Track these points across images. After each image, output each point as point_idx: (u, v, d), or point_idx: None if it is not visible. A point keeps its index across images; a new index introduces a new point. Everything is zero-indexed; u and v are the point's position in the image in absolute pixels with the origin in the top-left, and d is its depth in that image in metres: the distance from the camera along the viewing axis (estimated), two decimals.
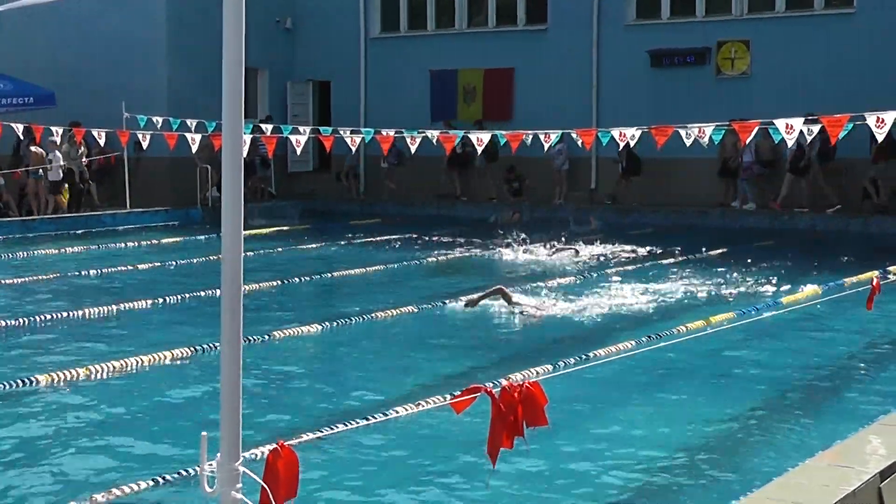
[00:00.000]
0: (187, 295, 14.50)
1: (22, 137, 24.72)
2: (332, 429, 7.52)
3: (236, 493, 3.31)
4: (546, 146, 17.73)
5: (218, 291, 13.88)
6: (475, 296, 13.29)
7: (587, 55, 26.85)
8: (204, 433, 3.36)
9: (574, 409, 8.52)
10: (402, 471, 7.44)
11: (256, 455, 5.58)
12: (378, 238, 21.57)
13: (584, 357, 10.10)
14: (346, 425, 7.59)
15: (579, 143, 19.43)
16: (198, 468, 6.81)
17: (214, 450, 3.53)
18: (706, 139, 15.92)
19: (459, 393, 4.66)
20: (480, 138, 17.56)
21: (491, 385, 4.68)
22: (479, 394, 4.55)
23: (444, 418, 7.93)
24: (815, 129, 13.91)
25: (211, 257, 18.33)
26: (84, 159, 25.75)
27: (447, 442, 7.86)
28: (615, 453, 7.79)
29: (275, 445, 3.60)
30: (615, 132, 17.76)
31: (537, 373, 9.13)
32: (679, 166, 24.32)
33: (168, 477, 6.93)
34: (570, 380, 8.61)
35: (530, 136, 18.91)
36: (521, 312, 12.83)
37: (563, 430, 7.69)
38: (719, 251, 19.07)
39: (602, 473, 7.38)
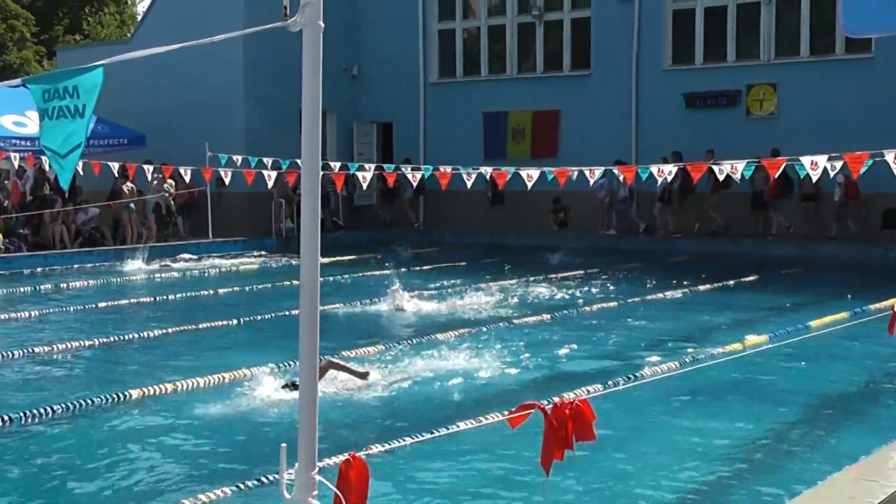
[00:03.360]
0: (263, 316, 14.59)
1: (117, 175, 25.00)
2: (398, 441, 7.50)
3: (313, 500, 3.30)
4: (591, 181, 17.67)
5: (288, 312, 14.16)
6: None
7: (627, 98, 26.79)
8: (283, 444, 3.35)
9: (619, 425, 8.42)
10: (463, 481, 7.40)
11: (329, 465, 5.56)
12: (438, 265, 21.59)
13: (630, 377, 10.03)
14: (412, 438, 7.55)
15: (621, 178, 19.38)
16: (276, 476, 6.87)
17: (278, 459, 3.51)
18: (738, 175, 15.79)
19: (515, 409, 4.63)
20: (530, 174, 17.50)
21: (544, 402, 4.62)
22: (533, 410, 4.51)
23: (500, 432, 7.86)
24: (839, 165, 13.76)
25: (284, 282, 18.42)
26: (171, 193, 26.00)
27: (503, 454, 7.80)
28: (655, 466, 7.70)
29: (347, 456, 3.58)
30: (654, 168, 17.67)
31: (587, 391, 9.07)
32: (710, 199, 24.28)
33: (248, 484, 6.94)
34: (617, 398, 8.54)
35: (576, 172, 18.88)
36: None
37: (609, 444, 7.62)
38: (751, 278, 18.87)
39: (643, 485, 7.30)
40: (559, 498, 6.87)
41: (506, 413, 4.81)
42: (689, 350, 11.88)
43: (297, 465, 3.29)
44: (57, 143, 4.44)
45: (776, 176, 16.67)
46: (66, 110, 4.37)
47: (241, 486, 6.92)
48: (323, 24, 3.33)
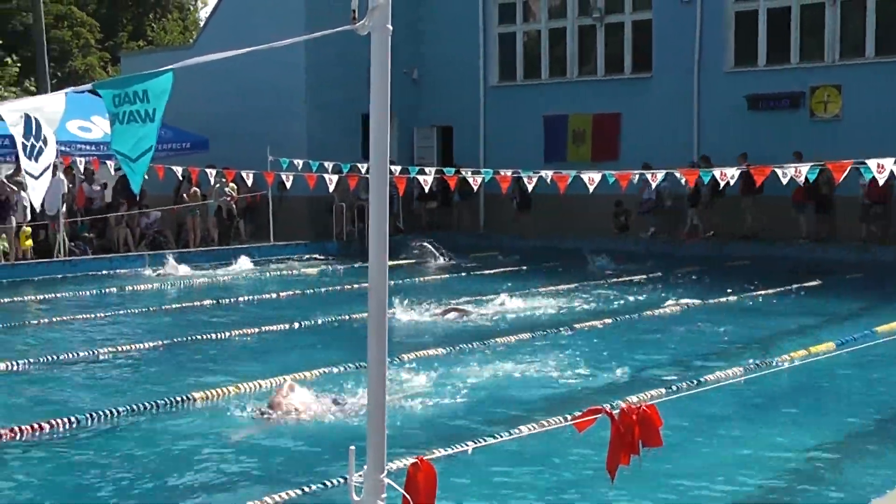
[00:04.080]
0: (325, 319, 14.66)
1: (181, 179, 25.30)
2: (462, 446, 7.49)
3: (381, 503, 3.30)
4: (654, 185, 17.55)
5: (350, 316, 14.19)
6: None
7: (689, 100, 26.58)
8: (352, 447, 3.36)
9: (682, 431, 8.34)
10: (528, 485, 7.37)
11: (396, 467, 5.56)
12: (497, 269, 21.58)
13: (693, 383, 9.95)
14: (475, 443, 7.54)
15: (682, 181, 19.22)
16: (343, 479, 6.90)
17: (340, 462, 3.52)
18: (802, 178, 15.60)
19: (581, 413, 4.60)
20: (591, 178, 17.42)
21: (609, 407, 4.60)
22: (599, 415, 4.48)
23: (562, 437, 7.83)
24: None
25: (346, 286, 18.50)
26: (233, 197, 26.24)
27: (566, 459, 7.77)
28: (718, 473, 7.62)
29: (415, 459, 3.58)
30: (716, 172, 17.50)
31: (650, 396, 9.00)
32: (774, 202, 24.05)
33: (313, 487, 6.97)
34: (680, 403, 8.47)
35: (636, 176, 18.76)
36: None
37: (673, 450, 7.55)
38: (813, 282, 18.62)
39: (707, 491, 7.24)
40: (623, 503, 6.82)
41: (571, 417, 4.79)
42: (753, 355, 11.75)
43: (365, 467, 3.29)
44: (128, 148, 4.49)
45: (802, 181, 16.63)
46: (136, 115, 4.42)
47: (306, 488, 6.95)
48: (391, 28, 3.33)
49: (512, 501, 7.04)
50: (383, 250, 3.32)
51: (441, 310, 15.22)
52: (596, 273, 20.29)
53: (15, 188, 22.05)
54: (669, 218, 26.26)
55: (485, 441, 7.57)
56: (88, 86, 4.86)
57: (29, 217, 22.54)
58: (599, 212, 26.25)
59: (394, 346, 11.54)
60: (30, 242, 22.74)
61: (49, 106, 5.06)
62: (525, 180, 21.30)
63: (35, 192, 5.28)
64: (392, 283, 18.53)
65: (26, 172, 5.19)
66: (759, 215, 24.71)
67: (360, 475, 3.32)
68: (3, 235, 23.23)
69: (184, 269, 21.68)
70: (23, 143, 5.08)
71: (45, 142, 5.07)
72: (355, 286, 18.15)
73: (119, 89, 4.47)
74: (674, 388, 9.60)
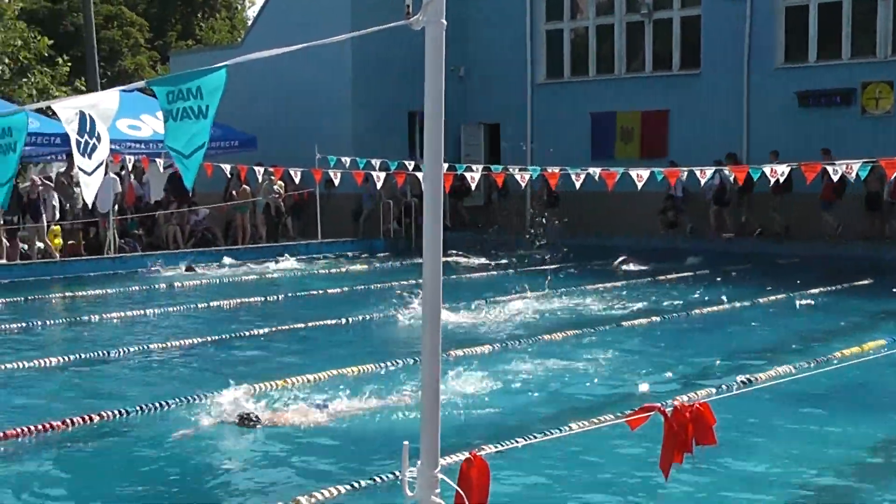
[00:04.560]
0: (372, 316, 14.70)
1: (229, 176, 25.47)
2: (512, 442, 7.49)
3: (435, 498, 3.30)
4: (702, 181, 17.44)
5: (396, 313, 14.19)
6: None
7: (738, 97, 26.36)
8: (406, 442, 3.36)
9: (733, 430, 8.25)
10: (580, 482, 7.34)
11: (447, 463, 5.54)
12: (546, 267, 21.51)
13: (745, 381, 9.86)
14: (524, 439, 7.52)
15: (731, 178, 19.08)
16: (395, 474, 6.91)
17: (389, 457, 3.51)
18: (853, 175, 15.43)
19: (635, 410, 4.57)
20: (640, 174, 17.34)
21: (662, 404, 4.56)
22: (653, 412, 4.45)
23: (616, 434, 7.79)
24: None
25: (392, 283, 18.52)
26: (281, 194, 26.38)
27: (621, 456, 7.72)
28: (772, 472, 7.55)
29: (468, 455, 3.58)
30: (766, 169, 17.35)
31: (700, 395, 8.93)
32: (801, 199, 23.87)
33: (362, 483, 6.98)
34: (730, 402, 8.39)
35: (685, 173, 18.63)
36: None
37: (727, 448, 7.48)
38: (865, 281, 18.40)
39: (760, 489, 7.17)
40: (676, 501, 6.78)
41: (623, 414, 4.76)
42: (805, 354, 11.63)
43: (419, 463, 3.29)
44: (181, 144, 4.52)
45: (832, 177, 16.63)
46: (189, 111, 4.44)
47: (356, 484, 6.96)
48: (445, 22, 3.32)
49: (561, 499, 7.01)
50: (437, 246, 3.32)
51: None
52: (647, 270, 20.15)
53: (50, 185, 22.23)
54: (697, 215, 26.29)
55: (534, 438, 7.54)
56: (143, 83, 4.89)
57: (58, 216, 22.72)
58: (638, 209, 26.13)
59: (445, 342, 11.52)
60: (59, 241, 22.91)
61: (103, 103, 5.09)
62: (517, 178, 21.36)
63: (88, 189, 5.31)
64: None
65: (80, 169, 5.23)
66: (786, 214, 24.58)
67: (413, 471, 3.31)
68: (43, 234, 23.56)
69: (231, 267, 21.83)
70: (77, 139, 5.11)
71: (98, 139, 5.11)
72: (402, 283, 18.18)
73: (173, 86, 4.49)
74: (724, 386, 9.52)
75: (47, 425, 8.54)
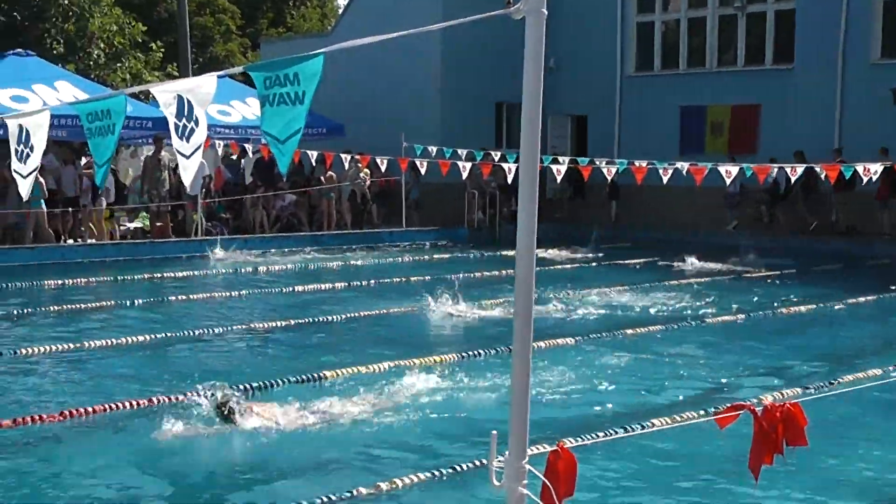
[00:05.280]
0: (455, 305, 14.70)
1: (315, 164, 25.67)
2: (593, 437, 7.45)
3: (522, 489, 3.29)
4: (793, 179, 17.17)
5: (480, 303, 14.15)
6: None
7: (831, 93, 25.86)
8: (494, 432, 3.36)
9: (827, 430, 8.10)
10: (666, 480, 7.28)
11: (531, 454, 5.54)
12: (628, 261, 21.38)
13: (830, 383, 9.70)
14: (605, 434, 7.49)
15: (823, 176, 18.73)
16: (474, 464, 6.93)
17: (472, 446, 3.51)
18: None
19: (724, 409, 4.52)
20: (729, 170, 17.13)
21: (752, 403, 4.50)
22: (743, 411, 4.39)
23: (705, 432, 7.71)
24: None
25: (475, 274, 18.54)
26: (367, 182, 26.53)
27: (708, 455, 7.64)
28: (865, 475, 7.44)
29: (555, 447, 3.57)
30: (859, 167, 17.02)
31: (786, 395, 8.80)
32: (858, 198, 23.60)
33: (444, 472, 7.01)
34: (817, 403, 8.25)
35: (775, 169, 18.36)
36: None
37: (817, 449, 7.36)
38: None
39: (852, 493, 7.06)
40: (767, 500, 6.70)
41: (713, 412, 4.71)
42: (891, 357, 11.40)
43: (507, 453, 3.29)
44: (277, 129, 4.56)
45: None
46: (286, 97, 4.48)
47: (437, 473, 6.99)
48: (546, 12, 3.31)
49: (644, 495, 6.96)
50: (531, 238, 3.31)
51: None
52: (730, 268, 19.88)
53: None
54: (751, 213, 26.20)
55: (615, 433, 7.50)
56: (240, 68, 4.95)
57: (113, 199, 22.95)
58: (699, 203, 25.88)
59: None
60: (109, 224, 23.08)
61: (201, 88, 5.16)
62: (606, 170, 21.43)
63: (186, 172, 5.41)
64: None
65: (178, 152, 5.32)
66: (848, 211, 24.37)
67: (500, 460, 3.32)
68: (145, 213, 23.96)
69: (314, 253, 22.05)
70: (175, 123, 5.19)
71: (196, 122, 5.19)
72: (485, 274, 18.20)
73: (270, 72, 4.54)
74: (811, 388, 9.36)
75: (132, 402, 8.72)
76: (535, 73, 3.24)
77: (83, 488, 7.05)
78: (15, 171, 6.07)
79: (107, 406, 8.63)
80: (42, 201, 20.78)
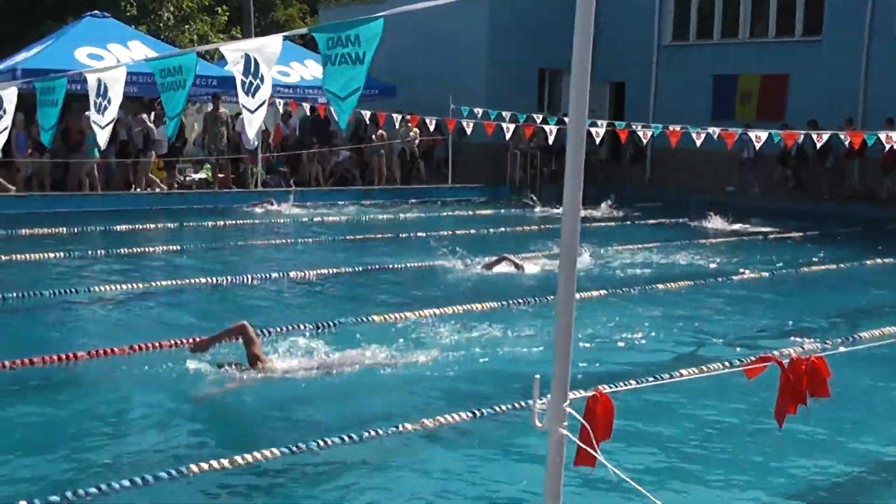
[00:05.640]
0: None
1: (368, 123, 25.65)
2: (624, 384, 7.44)
3: (563, 430, 3.28)
4: (818, 145, 16.94)
5: (520, 255, 14.10)
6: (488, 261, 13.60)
7: (857, 64, 25.38)
8: (537, 375, 3.35)
9: (848, 384, 8.02)
10: (687, 427, 7.26)
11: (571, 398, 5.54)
12: (659, 220, 21.23)
13: (848, 339, 9.61)
14: (636, 382, 7.47)
15: (846, 143, 18.44)
16: (513, 405, 6.94)
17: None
18: None
19: (752, 360, 4.48)
20: (758, 135, 16.91)
21: (778, 353, 4.47)
22: (770, 363, 4.35)
23: (732, 381, 7.68)
24: None
25: (517, 228, 18.49)
26: (416, 140, 26.48)
27: (735, 403, 7.61)
28: (881, 427, 7.38)
29: (594, 392, 3.55)
30: (882, 135, 16.77)
31: (804, 348, 8.72)
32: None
33: (485, 411, 7.03)
34: (842, 357, 8.17)
35: (801, 136, 18.11)
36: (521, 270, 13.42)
37: (838, 401, 7.30)
38: None
39: (871, 438, 7.01)
40: (790, 448, 6.66)
41: (741, 363, 4.68)
42: None
43: (549, 395, 3.28)
44: (337, 87, 4.56)
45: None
46: (347, 57, 4.47)
47: (478, 412, 7.01)
48: None
49: (674, 443, 6.93)
50: (577, 197, 3.27)
51: (491, 261, 13.92)
52: (756, 229, 19.66)
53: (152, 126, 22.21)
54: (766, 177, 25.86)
55: (645, 381, 7.47)
56: (305, 29, 4.94)
57: (165, 150, 22.88)
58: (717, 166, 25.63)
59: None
60: (162, 174, 23.13)
61: (267, 47, 5.17)
62: (640, 135, 21.27)
63: (251, 126, 5.44)
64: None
65: (244, 107, 5.34)
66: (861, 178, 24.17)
67: (543, 403, 3.30)
68: (208, 165, 24.05)
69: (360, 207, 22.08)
70: (241, 80, 5.21)
71: (261, 80, 5.20)
72: (526, 228, 18.14)
73: (333, 33, 4.53)
74: (832, 342, 9.28)
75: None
76: (584, 39, 3.20)
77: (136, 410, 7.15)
78: (93, 121, 6.15)
79: (167, 342, 8.71)
80: (96, 150, 20.77)
